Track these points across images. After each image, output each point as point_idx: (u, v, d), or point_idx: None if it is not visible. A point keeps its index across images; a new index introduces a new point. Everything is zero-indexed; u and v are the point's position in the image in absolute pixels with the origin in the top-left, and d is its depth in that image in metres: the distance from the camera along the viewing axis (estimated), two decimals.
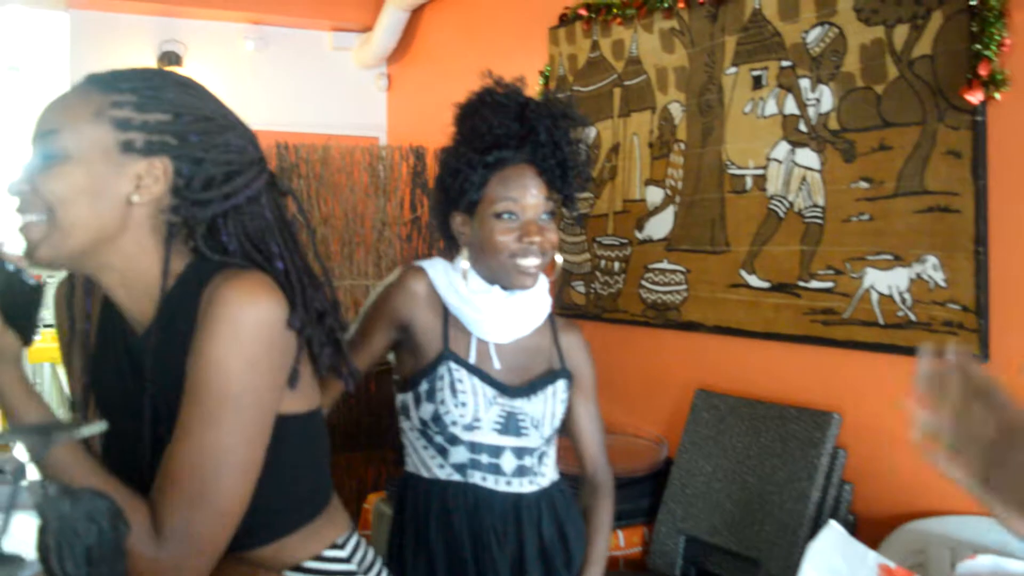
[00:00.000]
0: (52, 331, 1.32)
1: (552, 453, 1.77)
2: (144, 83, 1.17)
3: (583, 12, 3.24)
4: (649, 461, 2.82)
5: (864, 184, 2.29)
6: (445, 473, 1.67)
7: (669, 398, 2.97)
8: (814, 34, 2.42)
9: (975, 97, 2.02)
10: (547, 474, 1.73)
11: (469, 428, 1.65)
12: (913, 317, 2.19)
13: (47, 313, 1.23)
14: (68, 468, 1.06)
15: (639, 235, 3.04)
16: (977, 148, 2.04)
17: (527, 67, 3.63)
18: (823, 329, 2.42)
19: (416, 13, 4.68)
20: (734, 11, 2.65)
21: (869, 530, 2.31)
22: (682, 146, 2.86)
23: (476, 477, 1.67)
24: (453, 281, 1.69)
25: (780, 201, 2.52)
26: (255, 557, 1.21)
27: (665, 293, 2.94)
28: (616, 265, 3.15)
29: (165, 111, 1.16)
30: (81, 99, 1.15)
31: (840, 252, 2.36)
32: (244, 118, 1.27)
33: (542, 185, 1.65)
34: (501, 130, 1.64)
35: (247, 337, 1.10)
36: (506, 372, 1.70)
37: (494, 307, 1.67)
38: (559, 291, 3.44)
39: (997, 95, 2.01)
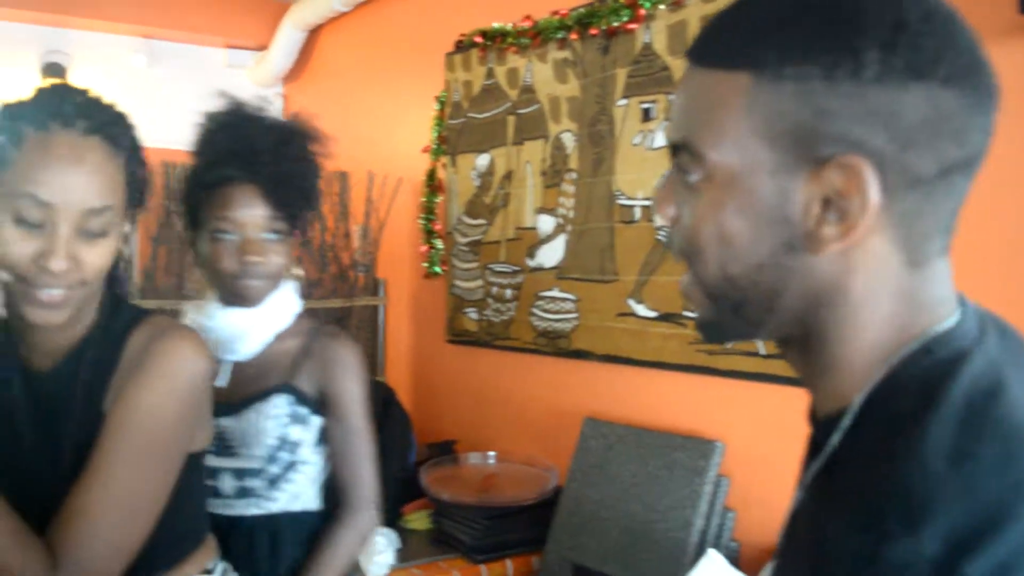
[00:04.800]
0: None
1: (300, 480, 1.70)
2: (130, 130, 1.22)
3: (479, 39, 3.25)
4: (539, 489, 2.81)
5: None
6: None
7: (559, 426, 2.97)
8: None
9: None
10: (280, 500, 1.68)
11: None
12: None
13: None
14: None
15: (531, 263, 3.05)
16: None
17: (424, 91, 3.63)
18: (707, 358, 2.45)
19: (313, 33, 4.62)
20: (625, 44, 2.69)
21: (752, 556, 2.35)
22: (574, 175, 2.88)
23: None
24: (207, 304, 1.70)
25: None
26: None
27: (556, 321, 2.95)
28: (508, 292, 3.15)
29: (138, 159, 1.23)
30: (109, 164, 1.15)
31: None
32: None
33: (264, 204, 1.62)
34: (222, 148, 1.63)
35: (185, 388, 1.15)
36: (228, 390, 1.67)
37: (225, 325, 1.66)
38: (450, 318, 3.43)
39: None
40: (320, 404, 1.70)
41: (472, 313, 3.32)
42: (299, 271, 1.69)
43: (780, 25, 0.63)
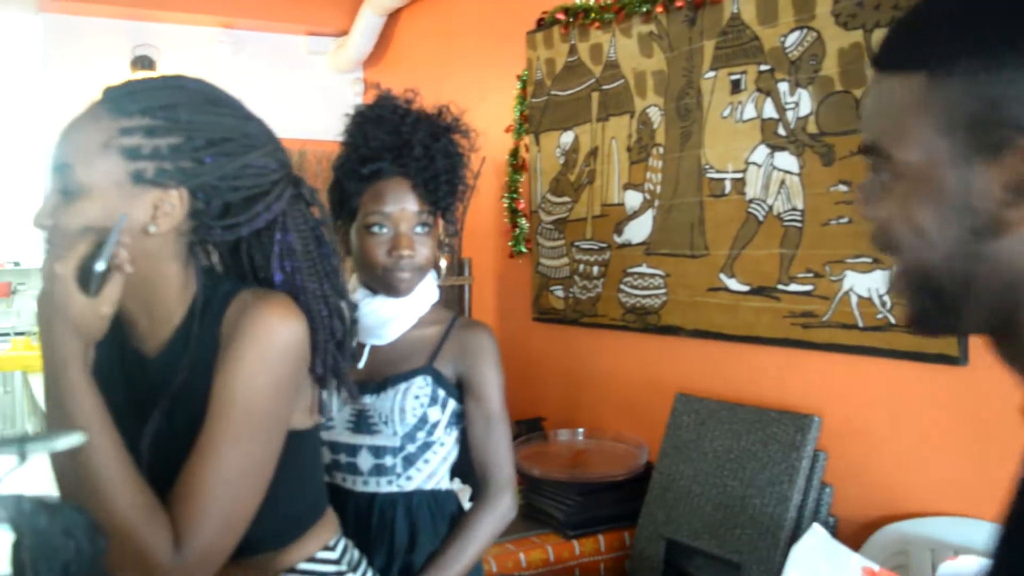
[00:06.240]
0: (24, 339, 1.31)
1: (434, 460, 1.74)
2: (156, 102, 1.12)
3: (561, 16, 3.24)
4: (629, 465, 2.81)
5: (843, 187, 2.30)
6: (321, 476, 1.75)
7: (650, 402, 2.96)
8: (792, 38, 2.42)
9: None
10: (415, 478, 1.71)
11: (326, 428, 1.71)
12: (892, 319, 2.20)
13: (19, 321, 1.21)
14: (108, 469, 1.06)
15: (618, 239, 3.04)
16: None
17: (505, 72, 3.63)
18: (803, 332, 2.42)
19: (392, 17, 4.66)
20: (712, 15, 2.66)
21: (850, 532, 2.32)
22: (661, 150, 2.86)
23: (338, 478, 1.73)
24: (353, 289, 1.74)
25: (759, 205, 2.52)
26: (256, 562, 1.24)
27: (644, 297, 2.94)
28: (595, 269, 3.15)
29: (176, 134, 1.11)
30: (91, 127, 1.11)
31: (819, 255, 2.36)
32: (268, 125, 1.22)
33: (416, 199, 1.67)
34: (376, 143, 1.67)
35: (276, 358, 1.14)
36: (367, 371, 1.72)
37: (370, 312, 1.71)
38: (536, 296, 3.43)
39: None
40: (457, 388, 1.75)
41: (558, 291, 3.33)
42: (443, 261, 1.71)
43: (946, 27, 0.68)
